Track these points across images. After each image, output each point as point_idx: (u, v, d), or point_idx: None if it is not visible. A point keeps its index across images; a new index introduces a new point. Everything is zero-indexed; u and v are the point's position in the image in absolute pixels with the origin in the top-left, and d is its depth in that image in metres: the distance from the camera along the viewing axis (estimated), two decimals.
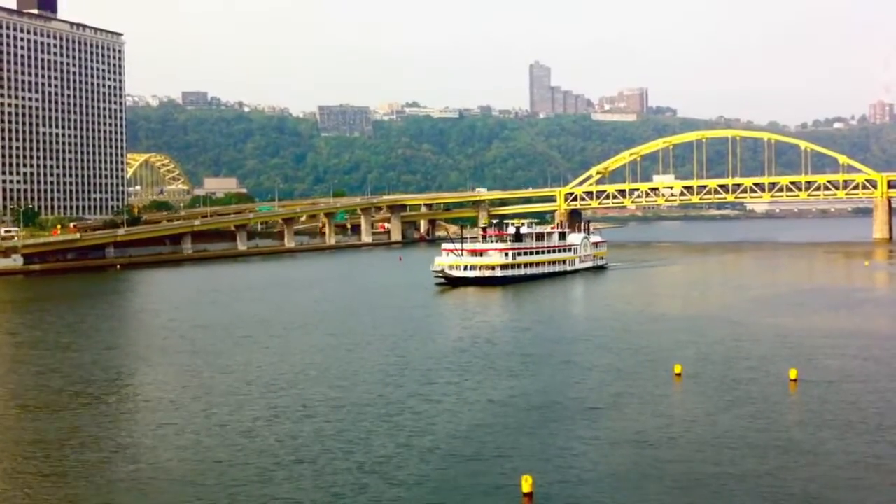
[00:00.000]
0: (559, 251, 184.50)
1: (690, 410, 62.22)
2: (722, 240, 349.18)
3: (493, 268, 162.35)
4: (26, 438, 57.26)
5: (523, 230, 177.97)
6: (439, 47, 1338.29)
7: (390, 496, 45.09)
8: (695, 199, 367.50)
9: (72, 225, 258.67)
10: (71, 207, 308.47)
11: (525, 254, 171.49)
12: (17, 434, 58.66)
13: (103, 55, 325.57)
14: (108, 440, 56.38)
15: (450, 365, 79.42)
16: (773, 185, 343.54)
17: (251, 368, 79.19)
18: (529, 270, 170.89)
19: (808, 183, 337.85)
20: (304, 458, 51.01)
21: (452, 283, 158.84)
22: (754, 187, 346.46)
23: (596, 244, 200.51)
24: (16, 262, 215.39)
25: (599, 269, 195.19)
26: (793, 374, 71.50)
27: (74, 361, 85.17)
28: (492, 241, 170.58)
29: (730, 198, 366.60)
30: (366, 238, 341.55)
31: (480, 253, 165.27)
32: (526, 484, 44.67)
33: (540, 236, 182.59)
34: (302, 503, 44.31)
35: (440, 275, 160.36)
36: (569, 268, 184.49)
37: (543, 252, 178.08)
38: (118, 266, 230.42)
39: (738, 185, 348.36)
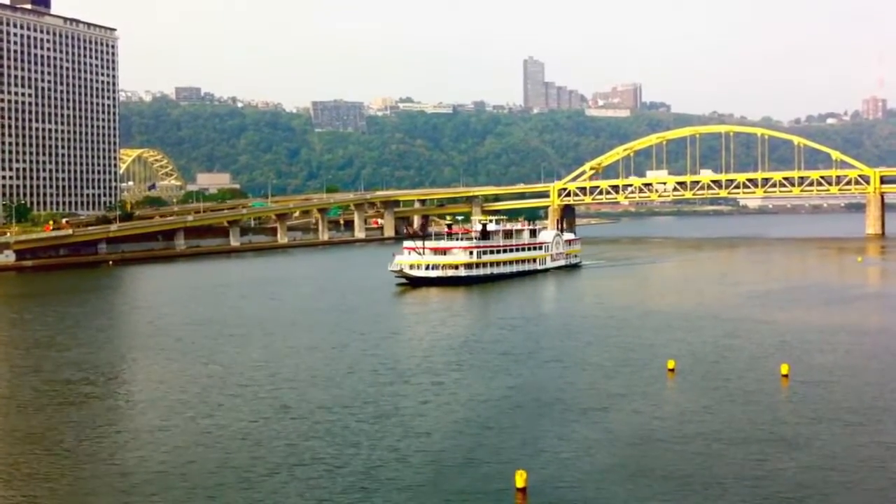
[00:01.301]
0: (529, 249, 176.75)
1: (683, 406, 62.44)
2: (714, 235, 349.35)
3: (456, 267, 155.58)
4: (15, 435, 57.22)
5: (490, 227, 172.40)
6: (433, 43, 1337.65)
7: (384, 493, 45.23)
8: (688, 194, 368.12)
9: (64, 221, 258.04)
10: (63, 203, 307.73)
11: (492, 252, 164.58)
12: (6, 431, 58.60)
13: (97, 50, 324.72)
14: (95, 437, 56.44)
15: (431, 364, 78.94)
16: (766, 180, 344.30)
17: (241, 367, 78.98)
18: (496, 270, 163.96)
19: (801, 178, 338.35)
20: (297, 458, 50.99)
21: (413, 283, 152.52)
22: (747, 183, 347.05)
23: (569, 242, 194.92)
24: (8, 258, 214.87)
25: (573, 267, 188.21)
26: (784, 369, 71.75)
27: (65, 358, 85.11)
28: (457, 239, 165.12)
29: (723, 193, 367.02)
30: (359, 234, 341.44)
31: (444, 251, 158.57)
32: (520, 479, 44.86)
33: (508, 234, 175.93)
34: (302, 494, 44.46)
35: (399, 274, 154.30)
36: (539, 267, 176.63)
37: (512, 250, 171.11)
38: (110, 262, 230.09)
39: (732, 180, 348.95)
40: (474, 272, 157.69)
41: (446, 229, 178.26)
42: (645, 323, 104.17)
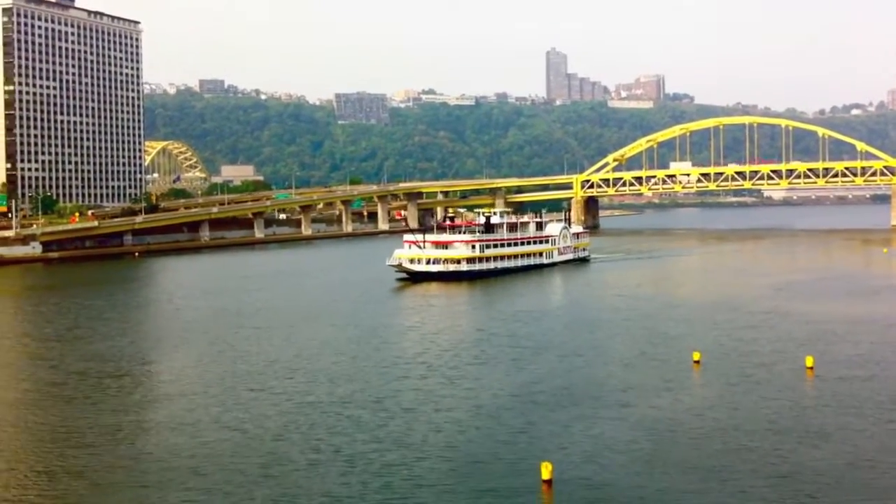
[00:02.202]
0: (535, 243, 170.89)
1: (708, 398, 62.41)
2: (738, 227, 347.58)
3: (458, 261, 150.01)
4: (40, 427, 57.78)
5: (494, 220, 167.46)
6: (456, 34, 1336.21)
7: (411, 483, 45.48)
8: (712, 185, 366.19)
9: (90, 213, 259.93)
10: (89, 195, 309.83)
11: (495, 246, 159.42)
12: (31, 423, 59.20)
13: (121, 43, 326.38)
14: (117, 429, 56.97)
15: (449, 359, 78.68)
16: (790, 171, 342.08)
17: (264, 361, 79.28)
18: (500, 264, 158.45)
19: (826, 170, 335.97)
20: (319, 452, 51.14)
21: (413, 277, 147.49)
22: (772, 174, 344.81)
23: (577, 235, 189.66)
24: (34, 249, 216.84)
25: (581, 261, 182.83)
26: (809, 361, 71.49)
27: (89, 350, 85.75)
28: (459, 232, 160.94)
29: (747, 185, 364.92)
30: (382, 225, 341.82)
31: (445, 245, 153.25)
32: (545, 470, 44.99)
33: (513, 227, 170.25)
34: (329, 491, 44.63)
35: (399, 269, 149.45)
36: (546, 261, 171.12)
37: (517, 244, 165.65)
38: (136, 253, 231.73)
39: (756, 172, 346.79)
40: (477, 267, 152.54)
41: (448, 222, 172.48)
42: (665, 315, 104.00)
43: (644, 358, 76.68)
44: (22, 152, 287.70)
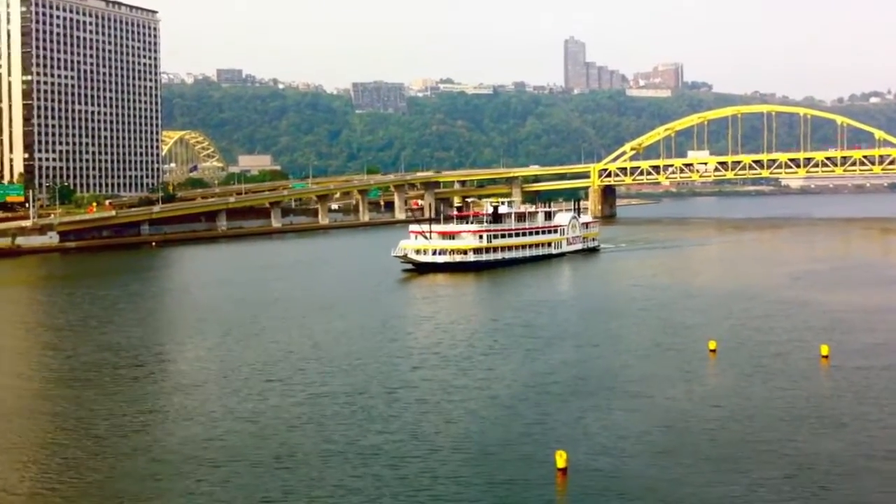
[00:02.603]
0: (543, 233, 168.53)
1: (724, 386, 62.29)
2: (756, 216, 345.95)
3: (465, 252, 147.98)
4: (54, 416, 58.12)
5: (502, 209, 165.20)
6: (474, 23, 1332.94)
7: (426, 471, 45.56)
8: (729, 174, 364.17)
9: (107, 202, 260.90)
10: (106, 185, 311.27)
11: (503, 236, 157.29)
12: (45, 411, 59.55)
13: (139, 33, 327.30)
14: (133, 419, 57.29)
15: (462, 349, 78.54)
16: (808, 160, 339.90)
17: (279, 351, 79.57)
18: (508, 254, 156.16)
19: (844, 158, 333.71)
20: (333, 442, 51.07)
21: (419, 268, 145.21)
22: (789, 163, 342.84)
23: (586, 224, 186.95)
24: (52, 239, 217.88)
25: (590, 251, 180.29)
26: (825, 350, 71.15)
27: (105, 340, 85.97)
28: (467, 222, 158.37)
29: (765, 173, 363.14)
30: (399, 215, 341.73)
31: (452, 235, 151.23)
32: (560, 459, 45.03)
33: (521, 216, 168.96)
34: (343, 482, 44.68)
35: (405, 260, 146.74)
36: (554, 251, 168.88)
37: (525, 234, 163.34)
38: (153, 243, 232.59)
39: (774, 160, 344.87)
40: (484, 257, 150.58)
41: (455, 212, 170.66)
42: (681, 304, 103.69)
43: (659, 347, 76.51)
44: (40, 142, 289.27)
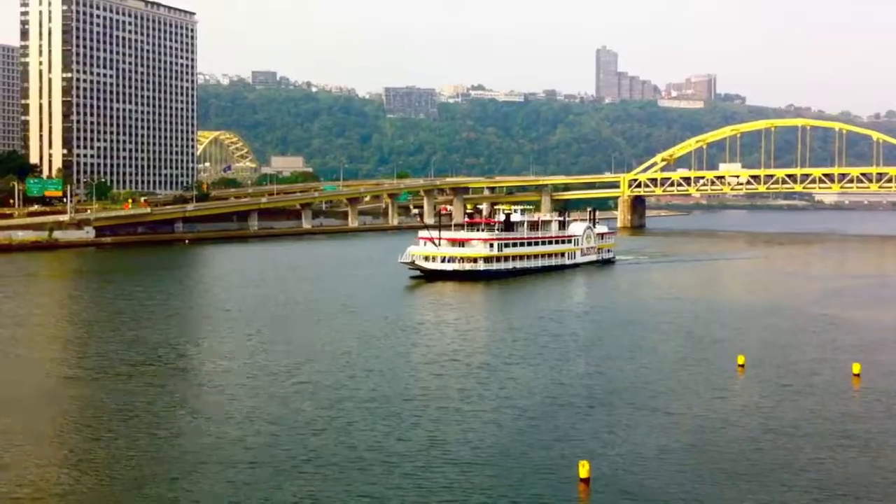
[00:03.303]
0: (557, 242, 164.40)
1: (751, 402, 62.35)
2: (787, 230, 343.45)
3: (475, 260, 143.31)
4: (77, 410, 59.11)
5: (514, 217, 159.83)
6: (506, 31, 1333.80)
7: (448, 479, 45.96)
8: (761, 188, 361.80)
9: (143, 199, 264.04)
10: (142, 182, 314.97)
11: (515, 245, 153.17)
12: (74, 403, 60.70)
13: (176, 33, 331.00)
14: (150, 416, 58.30)
15: (482, 357, 78.61)
16: (842, 175, 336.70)
17: (302, 353, 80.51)
18: (520, 264, 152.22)
19: (880, 175, 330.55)
20: (356, 447, 51.46)
21: (428, 276, 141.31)
22: (823, 178, 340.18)
23: (602, 235, 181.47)
24: (88, 234, 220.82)
25: (605, 263, 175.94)
26: (856, 368, 71.21)
27: (135, 336, 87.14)
28: (478, 230, 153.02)
29: (798, 188, 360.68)
30: (428, 219, 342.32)
31: (462, 243, 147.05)
32: (583, 469, 45.36)
33: (534, 225, 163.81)
34: (362, 489, 45.21)
35: (413, 267, 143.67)
36: (568, 261, 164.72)
37: (537, 243, 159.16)
38: (186, 241, 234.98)
39: (807, 175, 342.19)
40: (494, 266, 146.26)
41: (466, 219, 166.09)
42: (711, 318, 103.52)
43: (688, 361, 76.54)
44: (78, 139, 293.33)
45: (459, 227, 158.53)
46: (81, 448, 50.41)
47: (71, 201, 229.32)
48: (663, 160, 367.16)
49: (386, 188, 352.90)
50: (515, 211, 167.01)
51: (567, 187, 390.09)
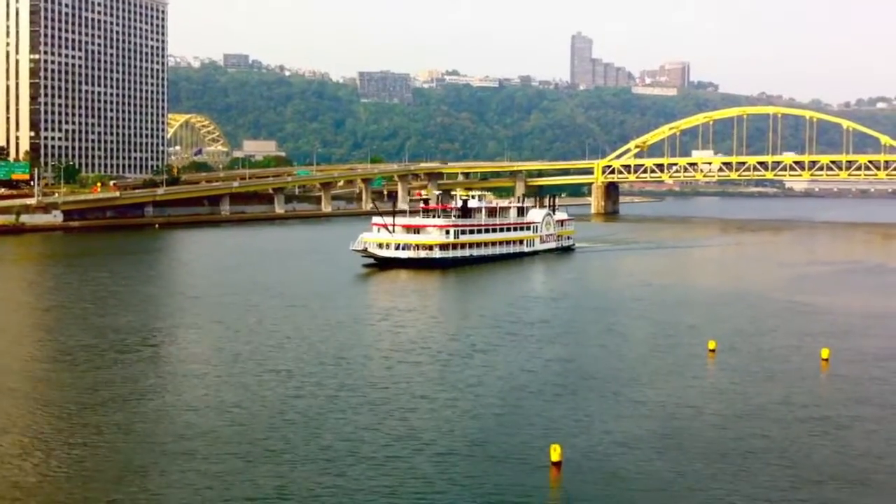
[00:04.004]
0: (515, 229, 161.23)
1: (721, 386, 62.50)
2: (759, 217, 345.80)
3: (430, 247, 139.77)
4: (50, 395, 58.46)
5: (472, 203, 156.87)
6: (481, 16, 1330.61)
7: (418, 464, 45.66)
8: (733, 175, 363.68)
9: (112, 183, 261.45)
10: (111, 166, 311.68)
11: (472, 232, 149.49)
12: (41, 391, 59.74)
13: (147, 15, 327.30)
14: (122, 405, 57.60)
15: (455, 345, 78.81)
16: (813, 163, 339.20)
17: (272, 340, 79.96)
18: (477, 251, 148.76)
19: (849, 162, 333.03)
20: (334, 430, 51.45)
21: (381, 264, 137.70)
22: (794, 165, 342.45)
23: (561, 222, 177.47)
24: (56, 218, 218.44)
25: (564, 250, 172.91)
26: (825, 353, 71.42)
27: (99, 322, 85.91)
28: (434, 216, 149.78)
29: (769, 175, 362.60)
30: (402, 205, 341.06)
31: (416, 229, 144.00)
32: (555, 453, 45.23)
33: (493, 211, 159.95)
34: (331, 478, 44.85)
35: (365, 254, 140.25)
36: (527, 249, 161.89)
37: (495, 230, 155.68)
38: (156, 225, 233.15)
39: (778, 162, 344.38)
40: (450, 254, 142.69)
41: (422, 204, 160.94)
42: (682, 304, 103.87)
43: (660, 347, 76.64)
44: (46, 121, 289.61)
45: (415, 213, 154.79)
46: (42, 439, 49.29)
47: (38, 185, 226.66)
48: (637, 147, 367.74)
49: (360, 173, 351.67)
50: (473, 197, 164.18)
51: (541, 173, 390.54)
